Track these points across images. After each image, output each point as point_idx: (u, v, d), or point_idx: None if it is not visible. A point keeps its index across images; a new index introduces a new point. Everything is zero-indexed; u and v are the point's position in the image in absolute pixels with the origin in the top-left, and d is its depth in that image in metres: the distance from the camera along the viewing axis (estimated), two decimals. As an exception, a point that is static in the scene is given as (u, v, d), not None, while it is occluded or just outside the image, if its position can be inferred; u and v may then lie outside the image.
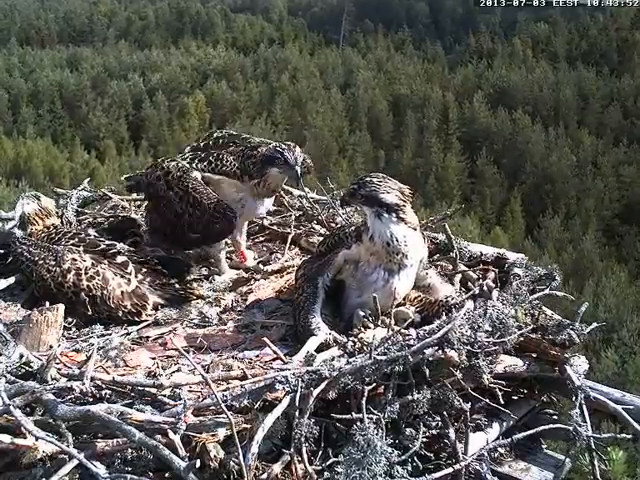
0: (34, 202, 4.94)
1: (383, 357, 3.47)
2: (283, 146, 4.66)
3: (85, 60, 64.59)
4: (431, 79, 60.39)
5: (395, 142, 54.87)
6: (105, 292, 4.47)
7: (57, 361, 3.57)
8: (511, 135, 53.25)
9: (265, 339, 3.73)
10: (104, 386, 3.43)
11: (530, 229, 44.79)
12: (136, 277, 4.62)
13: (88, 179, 6.23)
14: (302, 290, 4.21)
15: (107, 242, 4.75)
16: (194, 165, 4.85)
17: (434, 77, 60.82)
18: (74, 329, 4.36)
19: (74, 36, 73.31)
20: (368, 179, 4.07)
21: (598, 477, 3.85)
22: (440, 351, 3.57)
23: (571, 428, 3.86)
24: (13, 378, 3.46)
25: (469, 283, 4.66)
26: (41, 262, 4.56)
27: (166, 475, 3.19)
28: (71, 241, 4.69)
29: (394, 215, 4.04)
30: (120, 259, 4.66)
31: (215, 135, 5.10)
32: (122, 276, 4.57)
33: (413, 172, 51.40)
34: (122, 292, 4.51)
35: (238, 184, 4.80)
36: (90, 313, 4.45)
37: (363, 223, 4.23)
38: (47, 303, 4.23)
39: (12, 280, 4.83)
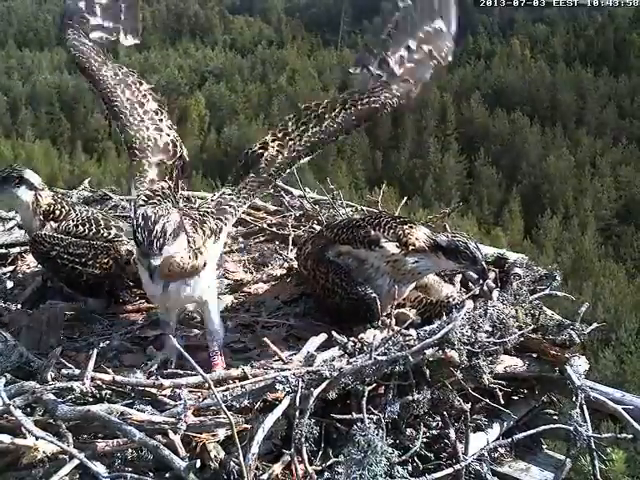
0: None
1: (383, 357, 3.47)
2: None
3: (83, 62, 64.52)
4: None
5: (393, 143, 54.81)
6: None
7: (57, 361, 3.57)
8: (509, 135, 53.29)
9: (265, 339, 3.73)
10: (104, 386, 3.42)
11: (529, 229, 44.82)
12: None
13: (89, 179, 6.19)
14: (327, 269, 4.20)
15: (112, 232, 4.60)
16: None
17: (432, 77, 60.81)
18: (74, 329, 4.34)
19: (72, 37, 73.25)
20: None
21: (598, 477, 3.85)
22: (440, 351, 3.57)
23: (571, 428, 3.87)
24: (13, 378, 3.46)
25: (469, 283, 4.66)
26: (91, 262, 4.39)
27: (166, 475, 3.18)
28: (91, 233, 4.51)
29: None
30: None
31: None
32: None
33: (411, 173, 51.48)
34: None
35: None
36: None
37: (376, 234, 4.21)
38: (47, 302, 4.22)
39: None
